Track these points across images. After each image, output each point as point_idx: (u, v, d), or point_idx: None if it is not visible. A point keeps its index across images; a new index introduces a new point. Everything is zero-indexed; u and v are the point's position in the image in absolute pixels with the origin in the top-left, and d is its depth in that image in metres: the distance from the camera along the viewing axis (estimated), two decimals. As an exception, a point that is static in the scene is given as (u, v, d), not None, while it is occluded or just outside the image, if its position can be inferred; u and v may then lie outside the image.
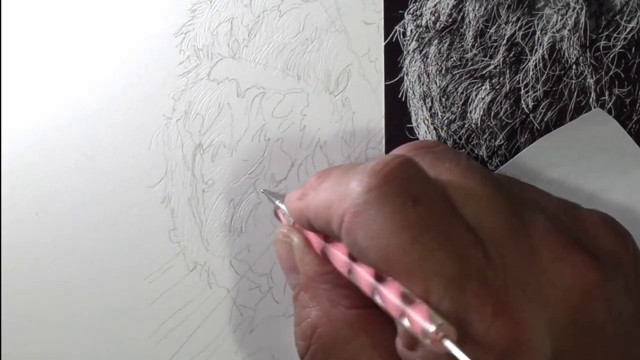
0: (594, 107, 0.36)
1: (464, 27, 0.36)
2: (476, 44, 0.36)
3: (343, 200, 0.23)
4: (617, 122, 0.35)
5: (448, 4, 0.35)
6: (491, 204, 0.23)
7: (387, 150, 0.35)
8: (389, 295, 0.21)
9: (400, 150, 0.27)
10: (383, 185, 0.22)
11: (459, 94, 0.36)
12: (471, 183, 0.24)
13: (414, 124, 0.36)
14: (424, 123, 0.36)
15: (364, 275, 0.23)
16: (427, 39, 0.36)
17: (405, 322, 0.21)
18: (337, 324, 0.24)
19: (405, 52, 0.35)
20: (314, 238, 0.27)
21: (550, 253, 0.23)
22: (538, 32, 0.36)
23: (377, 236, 0.22)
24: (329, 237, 0.26)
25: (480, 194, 0.23)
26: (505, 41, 0.36)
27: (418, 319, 0.20)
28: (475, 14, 0.35)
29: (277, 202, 0.30)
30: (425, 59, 0.36)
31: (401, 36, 0.35)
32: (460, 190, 0.24)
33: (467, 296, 0.21)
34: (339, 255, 0.25)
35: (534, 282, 0.22)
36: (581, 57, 0.36)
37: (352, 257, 0.24)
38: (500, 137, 0.36)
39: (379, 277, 0.22)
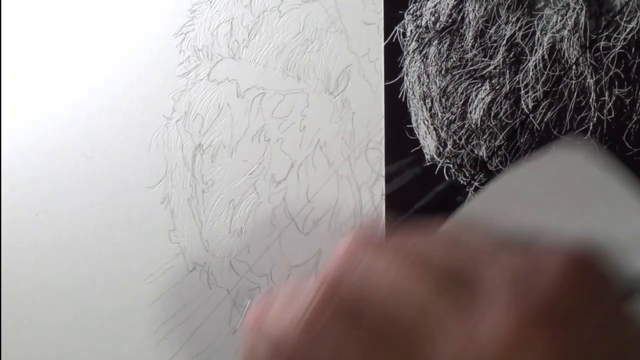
0: (594, 108, 0.36)
1: (464, 27, 0.36)
2: (476, 45, 0.36)
3: None
4: (582, 155, 0.35)
5: (448, 4, 0.35)
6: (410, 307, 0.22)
7: (387, 150, 0.35)
8: None
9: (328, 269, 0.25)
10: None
11: (458, 94, 0.36)
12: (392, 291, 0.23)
13: (414, 124, 0.36)
14: (424, 123, 0.36)
15: None
16: (427, 39, 0.36)
17: None
18: None
19: (405, 53, 0.35)
20: None
21: (502, 344, 0.20)
22: (538, 33, 0.36)
23: None
24: None
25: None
26: (505, 41, 0.36)
27: None
28: (475, 15, 0.35)
29: None
30: (425, 60, 0.36)
31: (401, 36, 0.35)
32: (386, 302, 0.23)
33: None
34: None
35: None
36: (581, 58, 0.36)
37: None
38: (500, 137, 0.36)
39: None
